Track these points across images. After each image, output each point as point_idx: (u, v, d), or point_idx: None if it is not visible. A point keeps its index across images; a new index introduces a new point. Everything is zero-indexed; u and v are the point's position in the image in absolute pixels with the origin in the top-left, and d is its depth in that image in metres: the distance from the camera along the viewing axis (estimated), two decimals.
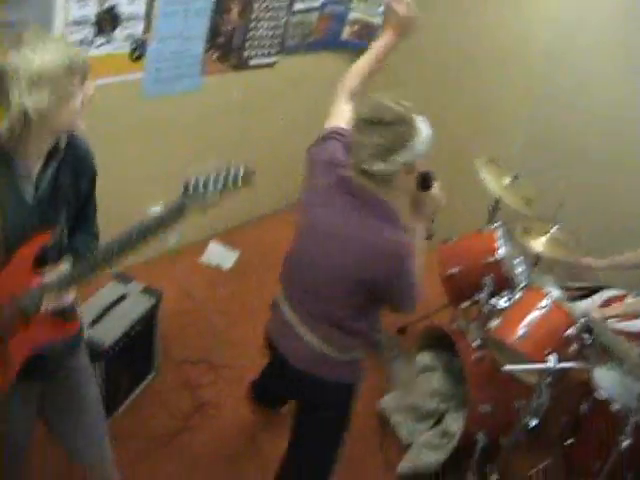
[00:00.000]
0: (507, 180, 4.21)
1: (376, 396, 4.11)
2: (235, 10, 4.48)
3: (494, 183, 4.17)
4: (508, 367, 3.20)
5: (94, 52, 3.76)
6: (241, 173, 1.86)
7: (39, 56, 1.93)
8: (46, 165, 2.14)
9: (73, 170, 2.23)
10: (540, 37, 4.90)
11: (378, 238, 2.46)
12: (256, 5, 4.60)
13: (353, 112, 2.65)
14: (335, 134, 2.70)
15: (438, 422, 3.86)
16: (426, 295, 4.75)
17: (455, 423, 3.75)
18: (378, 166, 2.38)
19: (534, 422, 3.33)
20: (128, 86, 4.01)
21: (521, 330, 3.36)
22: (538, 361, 3.18)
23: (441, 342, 4.02)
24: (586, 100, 4.83)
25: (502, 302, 3.68)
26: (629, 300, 4.12)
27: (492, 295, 3.82)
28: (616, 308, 4.03)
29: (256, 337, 4.42)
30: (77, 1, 3.56)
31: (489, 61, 5.16)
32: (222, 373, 4.12)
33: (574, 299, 4.22)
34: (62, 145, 2.18)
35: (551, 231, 4.26)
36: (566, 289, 4.21)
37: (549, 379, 3.40)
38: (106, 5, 3.72)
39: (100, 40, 3.77)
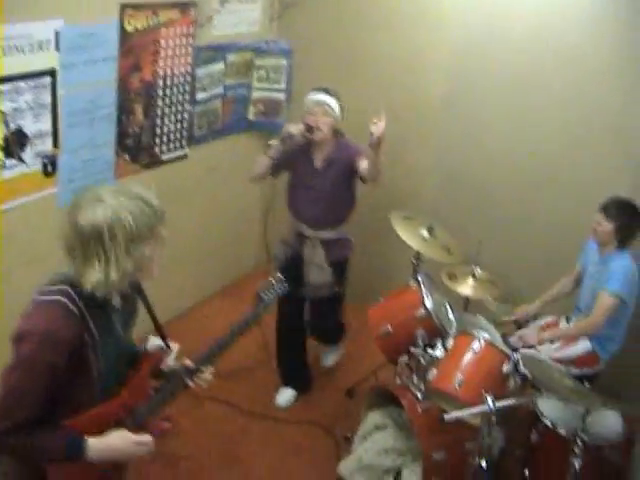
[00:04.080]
0: (424, 232, 4.37)
1: (326, 465, 4.20)
2: (139, 110, 4.61)
3: (412, 237, 4.33)
4: (447, 416, 3.29)
5: (7, 175, 3.82)
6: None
7: (130, 214, 2.16)
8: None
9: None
10: (437, 90, 5.18)
11: None
12: (159, 102, 4.75)
13: None
14: None
15: (397, 478, 3.92)
16: (367, 355, 4.88)
17: (413, 476, 3.80)
18: None
19: (484, 463, 3.39)
20: (44, 202, 4.06)
21: (458, 377, 3.47)
22: (477, 404, 3.28)
23: (389, 399, 4.10)
24: (484, 144, 5.12)
25: (437, 352, 3.79)
26: (562, 325, 4.31)
27: (427, 346, 3.92)
28: (553, 332, 4.23)
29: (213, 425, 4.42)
30: None
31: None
32: (180, 466, 4.11)
33: (510, 332, 4.39)
34: None
35: (475, 273, 4.45)
36: (501, 324, 4.40)
37: (493, 418, 3.51)
38: (12, 127, 3.80)
39: (11, 162, 3.83)
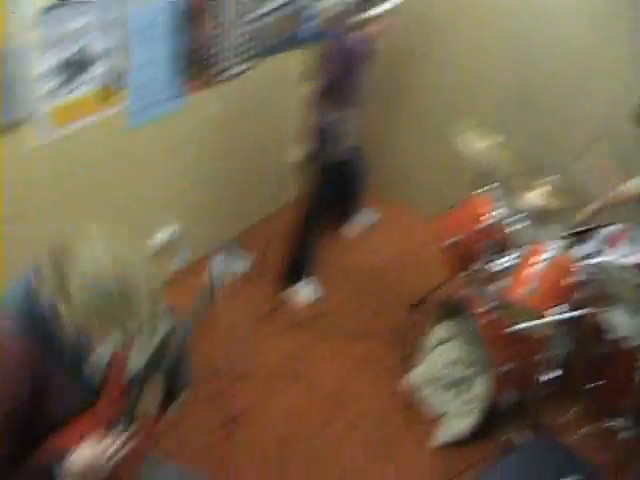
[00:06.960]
0: (492, 143, 4.29)
1: (393, 378, 4.22)
2: (203, 25, 4.55)
3: (480, 148, 4.25)
4: (517, 327, 3.28)
5: (74, 94, 3.83)
6: None
7: None
8: None
9: None
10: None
11: None
12: (226, 16, 4.68)
13: None
14: None
15: (466, 389, 3.95)
16: (432, 269, 4.81)
17: (482, 386, 3.82)
18: None
19: (553, 374, 3.39)
20: (112, 120, 4.06)
21: (529, 287, 3.43)
22: (548, 314, 3.25)
23: (456, 311, 4.10)
24: (552, 54, 4.95)
25: (507, 262, 3.75)
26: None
27: (497, 256, 3.89)
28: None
29: (278, 342, 4.44)
30: (52, 46, 3.65)
31: (466, 29, 5.27)
32: (247, 383, 4.16)
33: (580, 242, 4.30)
34: None
35: (546, 183, 4.36)
36: (572, 235, 4.32)
37: (564, 329, 3.49)
38: (76, 48, 3.78)
39: (82, 79, 3.85)
